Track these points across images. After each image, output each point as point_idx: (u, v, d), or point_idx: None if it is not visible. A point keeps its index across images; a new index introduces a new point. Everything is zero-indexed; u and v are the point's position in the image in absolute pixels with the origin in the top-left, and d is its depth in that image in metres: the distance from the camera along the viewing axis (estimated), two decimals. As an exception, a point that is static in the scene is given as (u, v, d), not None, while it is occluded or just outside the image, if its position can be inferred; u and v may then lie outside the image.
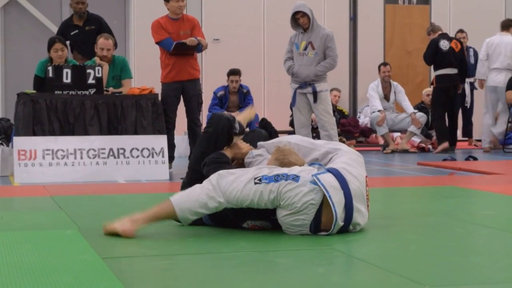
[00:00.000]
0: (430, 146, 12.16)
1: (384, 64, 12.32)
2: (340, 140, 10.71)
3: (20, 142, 7.85)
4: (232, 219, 4.38)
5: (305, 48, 8.83)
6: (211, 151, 4.61)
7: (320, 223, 4.14)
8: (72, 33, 9.60)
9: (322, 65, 8.79)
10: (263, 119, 11.89)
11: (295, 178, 4.11)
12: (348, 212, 4.15)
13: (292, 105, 9.06)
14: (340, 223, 4.14)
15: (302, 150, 4.61)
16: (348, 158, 4.38)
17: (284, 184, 4.09)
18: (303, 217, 4.11)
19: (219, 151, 4.62)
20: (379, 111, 11.86)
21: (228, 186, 4.17)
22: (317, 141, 4.75)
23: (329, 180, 4.11)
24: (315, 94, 8.80)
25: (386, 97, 12.15)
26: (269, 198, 4.11)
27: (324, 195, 4.08)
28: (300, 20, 8.76)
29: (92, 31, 9.47)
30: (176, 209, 4.23)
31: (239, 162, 4.71)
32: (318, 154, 4.56)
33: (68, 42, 9.22)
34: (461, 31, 12.92)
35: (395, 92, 12.16)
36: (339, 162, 4.32)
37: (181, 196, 4.29)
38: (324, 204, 4.10)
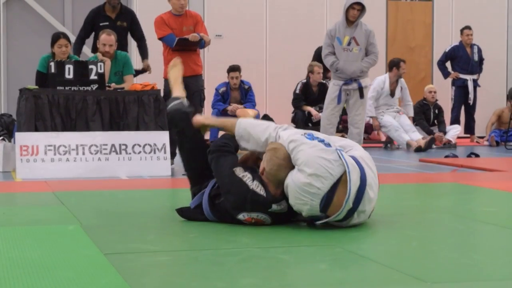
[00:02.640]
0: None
1: (404, 61, 12.08)
2: (342, 136, 10.67)
3: (22, 137, 7.85)
4: (229, 211, 4.39)
5: (349, 44, 8.75)
6: (190, 144, 4.75)
7: (330, 202, 4.14)
8: (101, 24, 9.19)
9: (367, 61, 8.74)
10: (265, 115, 11.88)
11: (328, 144, 4.26)
12: (359, 194, 4.17)
13: (338, 102, 8.87)
14: (350, 203, 4.16)
15: None
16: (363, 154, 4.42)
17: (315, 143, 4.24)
18: (319, 185, 4.11)
19: (225, 135, 4.70)
20: (371, 117, 11.71)
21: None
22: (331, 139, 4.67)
23: (350, 159, 4.20)
24: (361, 89, 8.73)
25: (392, 93, 12.01)
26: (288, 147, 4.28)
27: (343, 173, 4.13)
28: (355, 12, 8.61)
29: (123, 28, 9.18)
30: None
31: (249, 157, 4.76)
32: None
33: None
34: (468, 27, 12.88)
35: (401, 88, 12.03)
36: (356, 153, 4.36)
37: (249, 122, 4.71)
38: (341, 183, 4.13)
